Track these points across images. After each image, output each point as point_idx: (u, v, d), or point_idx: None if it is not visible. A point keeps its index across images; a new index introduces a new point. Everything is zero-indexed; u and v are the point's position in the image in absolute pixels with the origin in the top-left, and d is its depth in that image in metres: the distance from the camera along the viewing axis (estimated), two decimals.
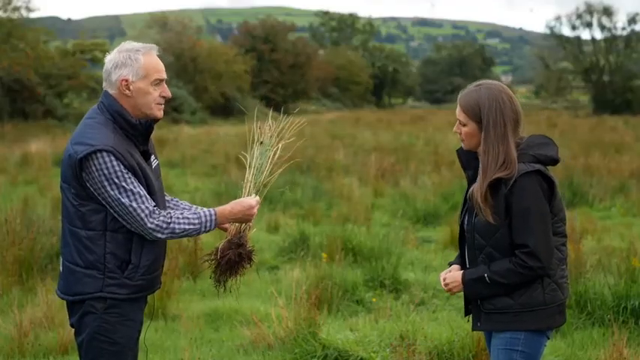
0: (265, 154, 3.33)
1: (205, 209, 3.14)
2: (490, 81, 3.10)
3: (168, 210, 3.09)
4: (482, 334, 4.74)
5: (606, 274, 6.34)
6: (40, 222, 7.55)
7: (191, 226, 3.04)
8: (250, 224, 3.29)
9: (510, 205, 2.94)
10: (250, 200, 3.20)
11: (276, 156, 3.37)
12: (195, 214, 3.06)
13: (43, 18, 78.29)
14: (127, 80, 3.02)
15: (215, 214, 3.09)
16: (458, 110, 3.08)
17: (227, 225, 3.29)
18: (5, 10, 32.66)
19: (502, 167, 2.94)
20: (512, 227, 2.95)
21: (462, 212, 3.19)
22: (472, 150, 3.10)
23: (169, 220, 3.00)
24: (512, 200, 2.93)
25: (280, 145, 3.37)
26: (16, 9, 33.03)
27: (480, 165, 3.02)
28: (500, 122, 2.97)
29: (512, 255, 2.97)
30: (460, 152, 3.20)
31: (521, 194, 2.92)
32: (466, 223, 3.12)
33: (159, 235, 2.99)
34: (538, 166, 2.95)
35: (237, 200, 3.20)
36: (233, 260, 3.24)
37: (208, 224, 3.07)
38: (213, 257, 3.28)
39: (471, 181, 3.14)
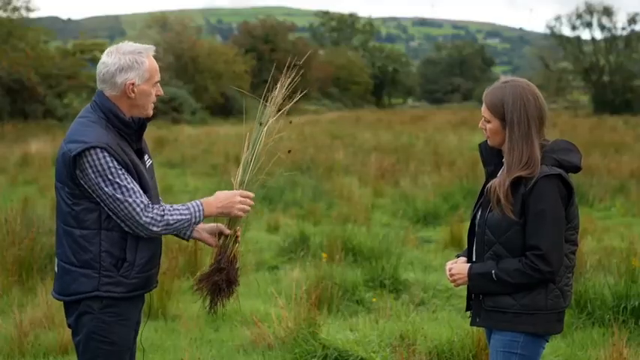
0: (260, 136, 3.28)
1: (192, 202, 3.13)
2: (517, 79, 3.09)
3: (164, 207, 3.09)
4: (482, 334, 4.74)
5: (606, 274, 6.34)
6: (40, 222, 7.54)
7: (183, 217, 3.04)
8: (239, 232, 3.25)
9: (527, 205, 2.93)
10: (233, 191, 3.20)
11: (270, 138, 3.30)
12: (183, 205, 3.08)
13: (43, 18, 78.25)
14: (133, 84, 3.03)
15: (202, 205, 3.10)
16: (483, 107, 3.07)
17: (210, 240, 3.28)
18: (5, 10, 32.68)
19: (525, 166, 2.94)
20: (526, 228, 2.94)
21: (475, 206, 3.18)
22: (497, 147, 3.10)
23: (163, 213, 3.00)
24: (530, 201, 2.92)
25: (271, 129, 3.30)
26: (16, 9, 33.06)
27: (505, 162, 3.01)
28: (524, 121, 2.97)
29: (520, 255, 2.96)
30: (482, 147, 3.20)
31: (540, 196, 2.91)
32: (478, 217, 3.11)
33: (154, 229, 2.98)
34: (559, 171, 2.95)
35: (221, 191, 3.20)
36: (212, 289, 3.23)
37: (197, 214, 3.07)
38: (195, 287, 3.27)
39: (490, 176, 3.13)
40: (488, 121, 3.06)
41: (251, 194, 3.21)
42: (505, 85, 3.04)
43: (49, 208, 9.79)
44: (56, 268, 3.11)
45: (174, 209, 3.04)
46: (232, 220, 3.25)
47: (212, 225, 3.34)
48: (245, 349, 5.29)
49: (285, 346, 5.18)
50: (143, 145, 3.19)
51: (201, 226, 3.32)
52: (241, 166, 3.28)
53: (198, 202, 3.11)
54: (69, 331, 5.09)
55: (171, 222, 3.01)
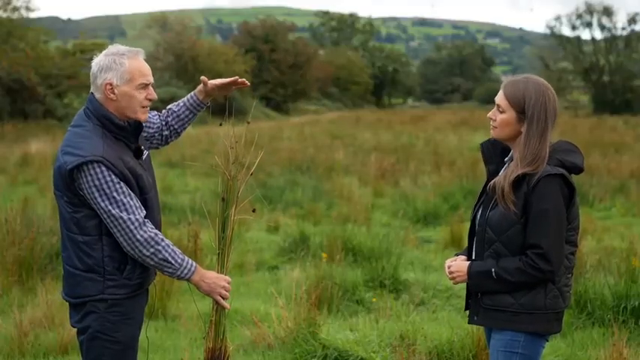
0: (228, 209, 3.19)
1: (190, 259, 3.10)
2: (537, 76, 3.09)
3: (163, 237, 3.07)
4: (482, 334, 4.74)
5: (606, 274, 6.34)
6: (40, 222, 7.54)
7: (173, 260, 3.01)
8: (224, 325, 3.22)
9: (530, 204, 2.93)
10: (222, 275, 3.17)
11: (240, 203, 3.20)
12: (181, 254, 3.06)
13: (43, 18, 78.24)
14: (111, 84, 3.01)
15: (195, 268, 3.08)
16: (500, 96, 3.05)
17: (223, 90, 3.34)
18: (5, 10, 32.67)
19: (532, 162, 2.94)
20: (528, 227, 2.93)
21: (476, 205, 3.18)
22: (501, 139, 3.08)
23: (159, 241, 2.99)
24: (533, 200, 2.92)
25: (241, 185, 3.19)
26: (16, 9, 33.04)
27: (517, 155, 3.00)
28: (542, 118, 2.98)
29: (520, 254, 2.96)
30: (484, 146, 3.19)
31: (542, 195, 2.91)
32: (479, 216, 3.10)
33: (144, 251, 2.96)
34: (562, 171, 2.94)
35: (212, 271, 3.19)
36: None
37: (185, 271, 3.05)
38: None
39: (491, 175, 3.13)
40: (503, 112, 3.04)
41: (230, 280, 3.19)
42: (527, 80, 3.03)
43: (49, 208, 9.80)
44: (63, 271, 3.13)
45: (170, 248, 3.02)
46: (219, 307, 3.19)
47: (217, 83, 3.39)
48: (245, 349, 5.29)
49: (285, 346, 5.17)
50: (141, 140, 3.18)
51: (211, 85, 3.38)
52: (217, 261, 3.23)
53: (194, 263, 3.10)
54: (69, 331, 5.13)
55: (160, 255, 2.99)
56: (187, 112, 3.47)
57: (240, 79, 3.40)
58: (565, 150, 3.03)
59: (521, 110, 3.00)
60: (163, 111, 3.48)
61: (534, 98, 2.98)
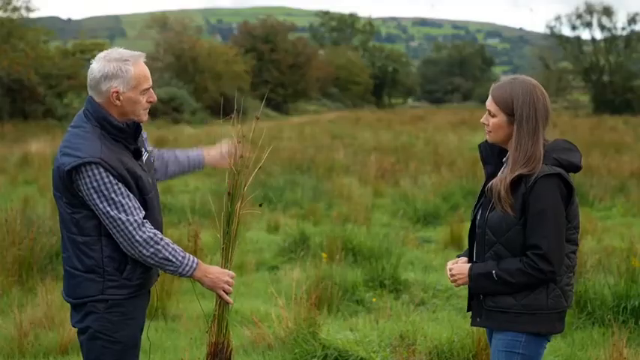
0: (233, 204, 3.21)
1: (192, 256, 3.11)
2: (524, 76, 3.09)
3: (163, 236, 3.07)
4: (482, 334, 4.75)
5: (606, 274, 6.34)
6: (40, 222, 7.53)
7: (173, 258, 3.02)
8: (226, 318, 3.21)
9: (528, 204, 2.92)
10: (226, 270, 3.17)
11: (246, 198, 3.22)
12: (182, 251, 3.06)
13: (43, 18, 78.11)
14: (117, 92, 3.01)
15: (197, 264, 3.08)
16: (489, 101, 3.06)
17: (223, 162, 3.36)
18: (5, 10, 32.66)
19: (527, 163, 2.93)
20: (527, 228, 2.93)
21: (475, 207, 3.18)
22: (497, 143, 3.08)
23: (158, 240, 2.99)
24: (530, 200, 2.91)
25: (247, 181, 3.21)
26: (16, 9, 33.03)
27: (510, 158, 3.00)
28: (532, 117, 2.96)
29: (520, 255, 2.95)
30: (482, 147, 3.19)
31: (540, 196, 2.90)
32: (479, 217, 3.10)
33: (143, 251, 2.96)
34: (559, 170, 2.94)
35: (216, 266, 3.20)
36: None
37: (187, 268, 3.05)
38: None
39: (490, 176, 3.12)
40: (494, 116, 3.04)
41: (234, 275, 3.19)
42: (514, 81, 3.03)
43: (49, 208, 9.79)
44: (64, 271, 3.13)
45: (170, 247, 3.03)
46: (222, 302, 3.19)
47: (220, 151, 3.46)
48: (245, 349, 5.29)
49: (285, 346, 5.17)
50: (140, 141, 3.18)
51: (212, 152, 3.49)
52: (222, 255, 3.23)
53: (196, 259, 3.10)
54: (69, 331, 5.13)
55: (160, 255, 2.99)
56: (186, 165, 3.54)
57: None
58: (562, 148, 3.02)
59: (510, 112, 2.99)
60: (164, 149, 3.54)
61: (522, 98, 2.98)
